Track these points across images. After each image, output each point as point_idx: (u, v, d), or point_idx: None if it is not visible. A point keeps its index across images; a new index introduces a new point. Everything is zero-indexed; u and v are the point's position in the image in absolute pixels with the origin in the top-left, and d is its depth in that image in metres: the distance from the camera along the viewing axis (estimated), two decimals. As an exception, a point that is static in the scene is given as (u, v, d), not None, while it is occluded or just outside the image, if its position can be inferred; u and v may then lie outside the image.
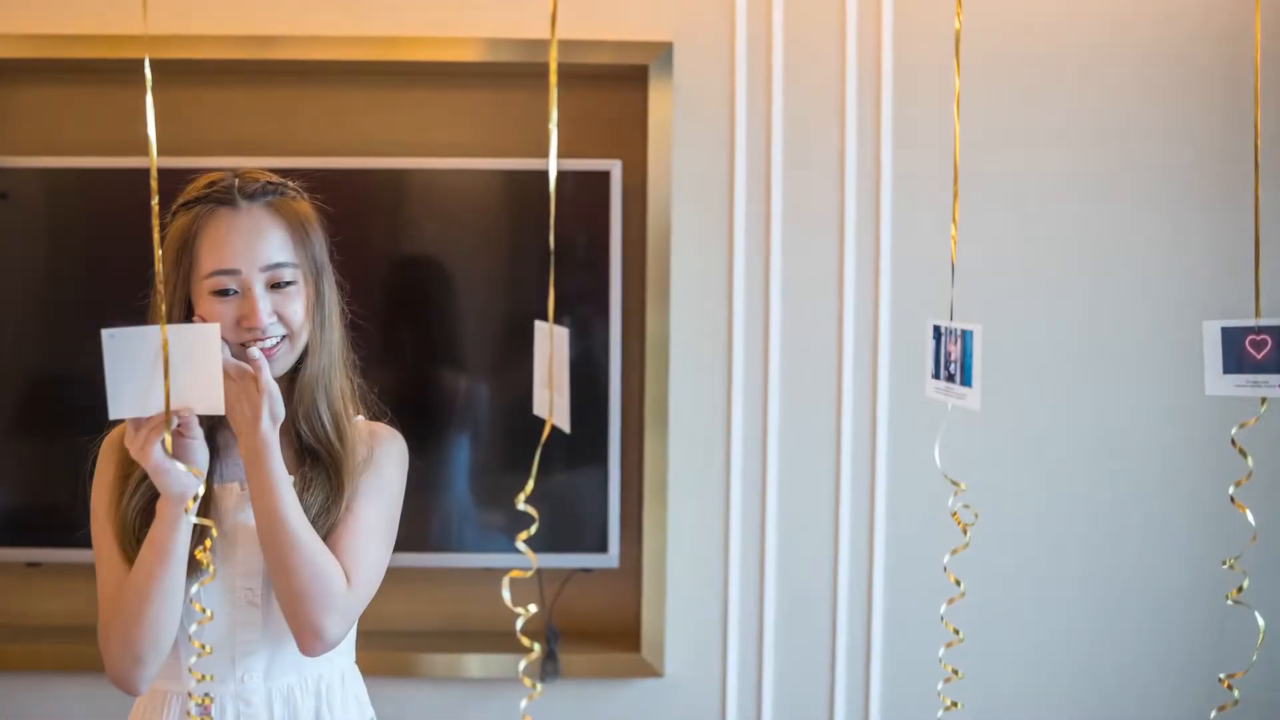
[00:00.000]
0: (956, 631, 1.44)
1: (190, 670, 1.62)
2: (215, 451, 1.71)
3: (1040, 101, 2.88)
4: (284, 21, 2.83)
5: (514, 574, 1.19)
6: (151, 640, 1.63)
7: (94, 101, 2.89)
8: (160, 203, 1.20)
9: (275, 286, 1.68)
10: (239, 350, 1.65)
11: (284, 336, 1.69)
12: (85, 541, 1.73)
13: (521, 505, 1.13)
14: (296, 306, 1.69)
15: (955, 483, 1.39)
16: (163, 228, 1.70)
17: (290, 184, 1.77)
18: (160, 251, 1.24)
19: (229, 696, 1.71)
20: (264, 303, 1.66)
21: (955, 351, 1.38)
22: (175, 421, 1.56)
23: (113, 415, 1.42)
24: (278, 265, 1.68)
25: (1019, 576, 2.92)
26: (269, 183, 1.73)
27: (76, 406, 2.69)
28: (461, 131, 2.92)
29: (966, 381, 1.36)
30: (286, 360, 1.70)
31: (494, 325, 2.90)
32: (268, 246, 1.68)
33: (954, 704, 1.41)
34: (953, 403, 1.39)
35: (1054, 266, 2.89)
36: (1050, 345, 2.90)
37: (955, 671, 1.43)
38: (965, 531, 1.38)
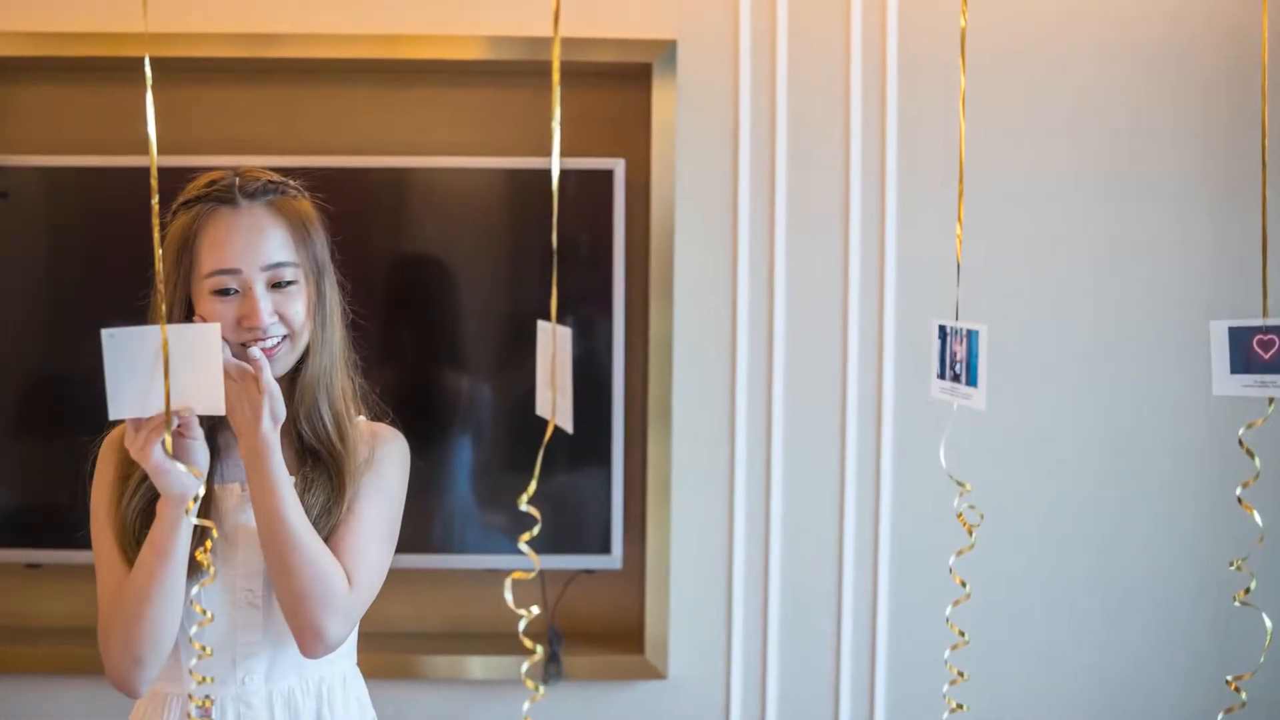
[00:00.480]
0: (962, 633, 1.43)
1: (191, 672, 1.62)
2: (216, 452, 1.70)
3: (1046, 99, 2.87)
4: (284, 20, 2.83)
5: (516, 575, 1.18)
6: (151, 642, 1.62)
7: (94, 100, 2.88)
8: (160, 202, 1.19)
9: (276, 286, 1.67)
10: (240, 350, 1.64)
11: (285, 336, 1.68)
12: (85, 542, 1.72)
13: (524, 506, 1.12)
14: (297, 306, 1.68)
15: (960, 483, 1.38)
16: (163, 227, 1.69)
17: (291, 183, 1.76)
18: (160, 251, 1.23)
19: (229, 698, 1.70)
20: (265, 302, 1.65)
21: (960, 351, 1.37)
22: (175, 422, 1.55)
23: (113, 415, 1.42)
24: (278, 264, 1.67)
25: (1025, 577, 2.91)
26: (270, 181, 1.72)
27: (76, 406, 2.68)
28: (463, 130, 2.91)
29: (972, 381, 1.36)
30: (287, 360, 1.69)
31: (496, 325, 2.89)
32: (268, 246, 1.67)
33: (959, 706, 1.40)
34: (958, 403, 1.38)
35: (1060, 265, 2.88)
36: (1056, 345, 2.89)
37: (961, 673, 1.42)
38: (971, 532, 1.37)
